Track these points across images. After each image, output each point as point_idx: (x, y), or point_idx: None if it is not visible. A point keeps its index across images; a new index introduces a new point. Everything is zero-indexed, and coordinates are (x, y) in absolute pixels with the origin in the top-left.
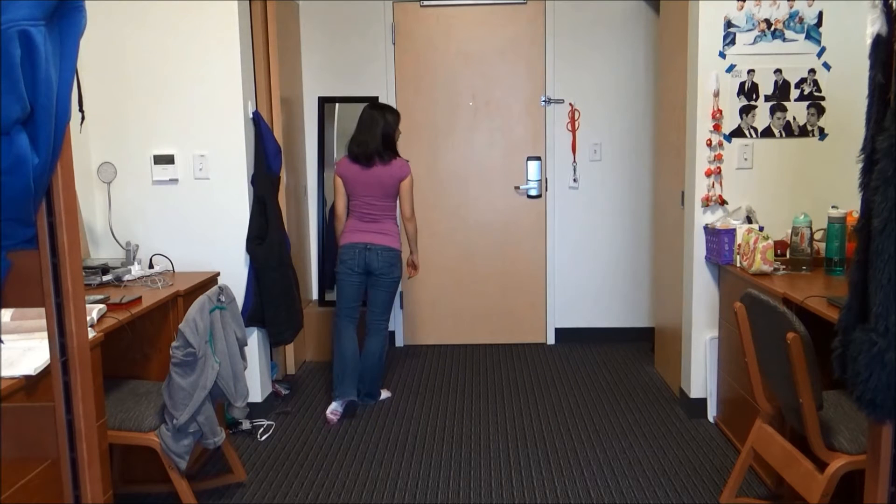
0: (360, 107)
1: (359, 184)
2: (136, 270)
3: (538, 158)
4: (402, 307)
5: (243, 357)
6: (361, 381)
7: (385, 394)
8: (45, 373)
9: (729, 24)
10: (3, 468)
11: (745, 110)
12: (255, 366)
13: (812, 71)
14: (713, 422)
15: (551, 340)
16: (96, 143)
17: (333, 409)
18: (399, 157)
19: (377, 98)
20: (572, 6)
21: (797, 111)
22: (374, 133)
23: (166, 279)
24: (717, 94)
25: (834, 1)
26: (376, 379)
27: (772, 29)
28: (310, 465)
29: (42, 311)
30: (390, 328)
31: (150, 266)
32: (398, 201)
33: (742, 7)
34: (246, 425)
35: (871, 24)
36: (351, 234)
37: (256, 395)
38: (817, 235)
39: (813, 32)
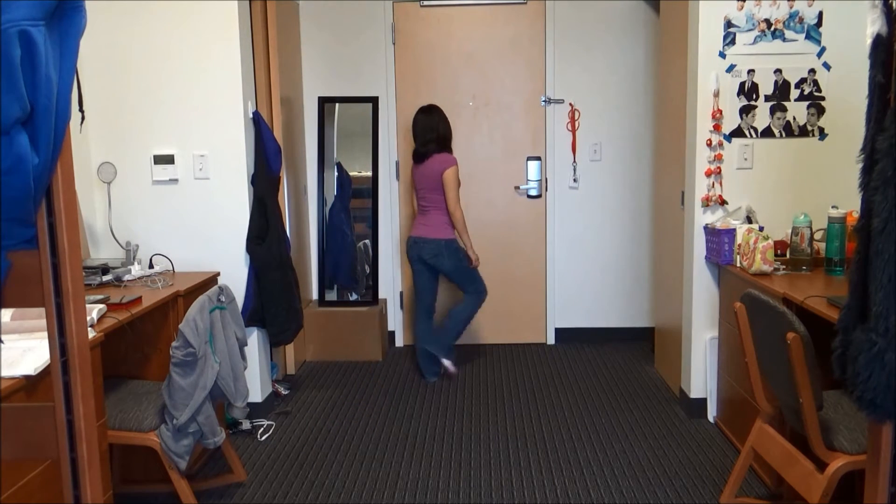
0: (360, 107)
1: (415, 179)
2: (136, 270)
3: (538, 158)
4: (401, 307)
5: (243, 357)
6: (437, 331)
7: (450, 365)
8: (45, 373)
9: (729, 24)
10: (3, 468)
11: (745, 110)
12: (255, 366)
13: (812, 71)
14: (713, 422)
15: (551, 340)
16: (96, 143)
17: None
18: (446, 152)
19: (377, 98)
20: (572, 6)
21: (797, 111)
22: (426, 133)
23: (166, 279)
24: (717, 94)
25: (834, 1)
26: (443, 332)
27: (772, 29)
28: (310, 465)
29: (42, 311)
30: (391, 328)
31: (150, 266)
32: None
33: (742, 7)
34: (246, 425)
35: (871, 24)
36: (412, 227)
37: (256, 395)
38: (817, 235)
39: (813, 32)
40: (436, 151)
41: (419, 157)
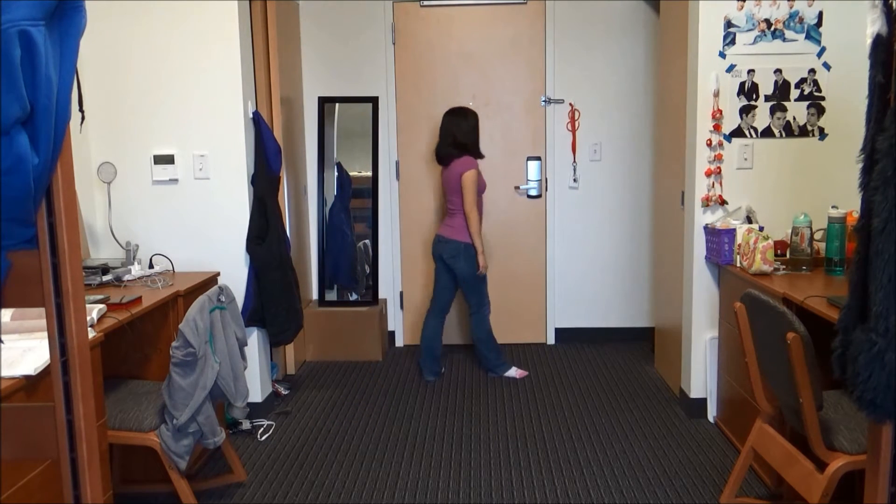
0: (360, 107)
1: (442, 183)
2: (136, 270)
3: (538, 158)
4: (402, 307)
5: (243, 357)
6: (482, 361)
7: (514, 372)
8: (45, 373)
9: (729, 24)
10: (3, 468)
11: (745, 110)
12: (255, 366)
13: (812, 71)
14: (713, 422)
15: (551, 340)
16: (96, 143)
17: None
18: (467, 155)
19: (377, 98)
20: (572, 6)
21: (797, 111)
22: (445, 137)
23: (166, 279)
24: (717, 94)
25: (834, 1)
26: (483, 358)
27: (772, 29)
28: (310, 465)
29: (42, 311)
30: (391, 328)
31: (150, 266)
32: None
33: (742, 7)
34: (246, 425)
35: (871, 24)
36: (439, 226)
37: (256, 395)
38: (817, 235)
39: (813, 32)
40: (456, 155)
41: (439, 159)
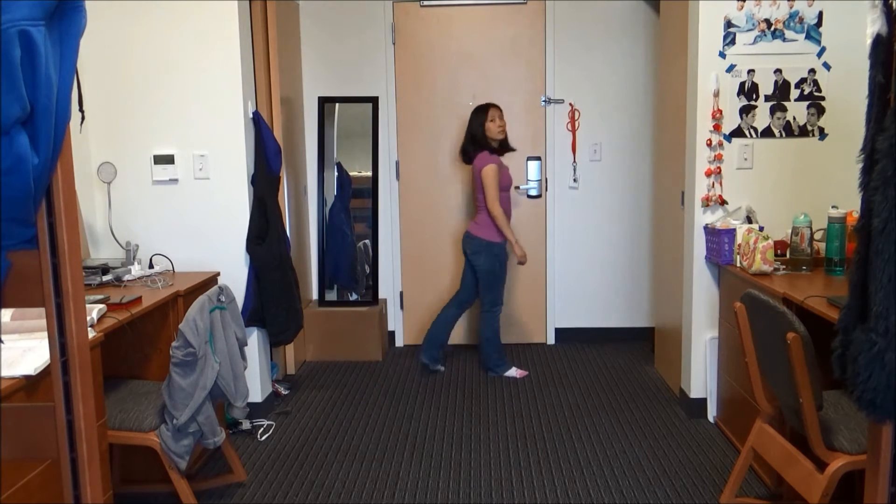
0: (360, 107)
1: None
2: (136, 270)
3: (538, 158)
4: (402, 307)
5: (243, 357)
6: (483, 360)
7: (514, 372)
8: (45, 373)
9: (729, 24)
10: (3, 468)
11: (745, 110)
12: (255, 366)
13: (812, 71)
14: (713, 422)
15: (551, 340)
16: (96, 143)
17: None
18: (484, 151)
19: (377, 98)
20: (572, 6)
21: (797, 111)
22: (467, 135)
23: (166, 279)
24: (717, 94)
25: (834, 1)
26: (486, 357)
27: (772, 29)
28: (310, 465)
29: (42, 311)
30: (390, 328)
31: (150, 266)
32: None
33: (742, 7)
34: (246, 425)
35: (871, 24)
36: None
37: (256, 395)
38: (817, 235)
39: (813, 32)
40: (472, 152)
41: (462, 157)
